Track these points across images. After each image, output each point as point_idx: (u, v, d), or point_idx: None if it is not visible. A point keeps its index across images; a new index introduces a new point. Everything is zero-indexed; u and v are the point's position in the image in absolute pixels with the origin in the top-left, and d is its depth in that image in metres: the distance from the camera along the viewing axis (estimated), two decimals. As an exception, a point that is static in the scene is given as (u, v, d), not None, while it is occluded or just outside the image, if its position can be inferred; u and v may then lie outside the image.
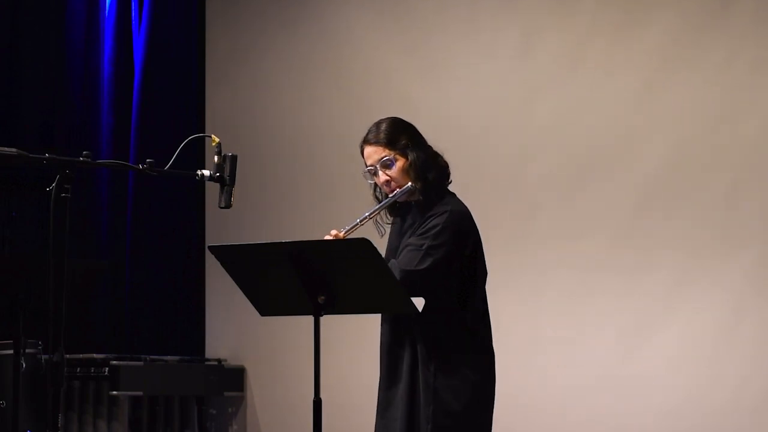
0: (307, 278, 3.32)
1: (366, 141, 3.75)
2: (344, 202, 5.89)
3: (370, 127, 3.77)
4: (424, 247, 3.55)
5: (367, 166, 3.75)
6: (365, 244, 3.28)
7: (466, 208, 3.69)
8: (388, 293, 3.39)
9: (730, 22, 5.41)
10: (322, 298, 3.34)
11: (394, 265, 3.56)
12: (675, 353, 5.40)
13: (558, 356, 5.68)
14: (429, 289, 3.54)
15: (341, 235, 3.59)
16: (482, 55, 6.08)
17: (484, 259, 3.70)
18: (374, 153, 3.71)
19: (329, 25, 6.71)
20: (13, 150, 3.19)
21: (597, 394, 5.56)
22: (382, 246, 3.79)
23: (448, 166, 3.75)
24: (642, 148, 5.58)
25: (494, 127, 6.00)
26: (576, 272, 5.67)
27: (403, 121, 3.79)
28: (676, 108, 5.52)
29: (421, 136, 3.76)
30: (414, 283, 3.50)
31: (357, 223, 3.64)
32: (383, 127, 3.74)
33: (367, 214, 3.70)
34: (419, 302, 3.47)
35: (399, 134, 3.72)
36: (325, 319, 3.39)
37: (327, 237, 3.63)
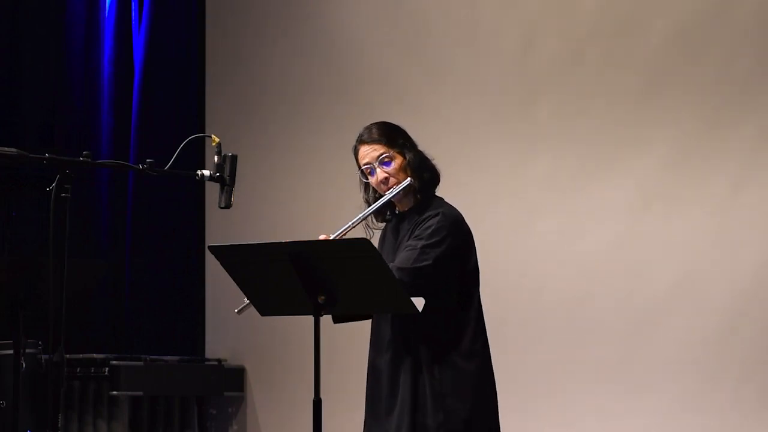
0: (307, 278, 3.32)
1: (361, 141, 3.76)
2: (344, 202, 5.86)
3: (362, 131, 3.79)
4: (419, 246, 3.56)
5: (361, 167, 3.75)
6: (365, 244, 3.29)
7: (457, 211, 3.71)
8: (388, 293, 3.39)
9: (731, 21, 5.40)
10: (322, 298, 3.34)
11: (392, 267, 3.55)
12: (675, 353, 5.40)
13: (557, 356, 5.68)
14: (427, 289, 3.53)
15: (330, 237, 3.59)
16: (482, 54, 6.08)
17: (477, 262, 3.71)
18: (372, 151, 3.72)
19: (329, 26, 6.70)
20: (13, 150, 3.19)
21: (596, 395, 5.56)
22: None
23: (438, 170, 3.78)
24: (642, 147, 5.57)
25: (494, 126, 5.99)
26: (575, 273, 5.67)
27: (395, 123, 3.82)
28: (676, 107, 5.51)
29: (412, 139, 3.80)
30: (411, 280, 3.49)
31: (349, 226, 3.63)
32: (378, 127, 3.77)
33: (360, 216, 3.70)
34: (420, 302, 3.47)
35: (395, 134, 3.76)
36: (325, 319, 3.39)
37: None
